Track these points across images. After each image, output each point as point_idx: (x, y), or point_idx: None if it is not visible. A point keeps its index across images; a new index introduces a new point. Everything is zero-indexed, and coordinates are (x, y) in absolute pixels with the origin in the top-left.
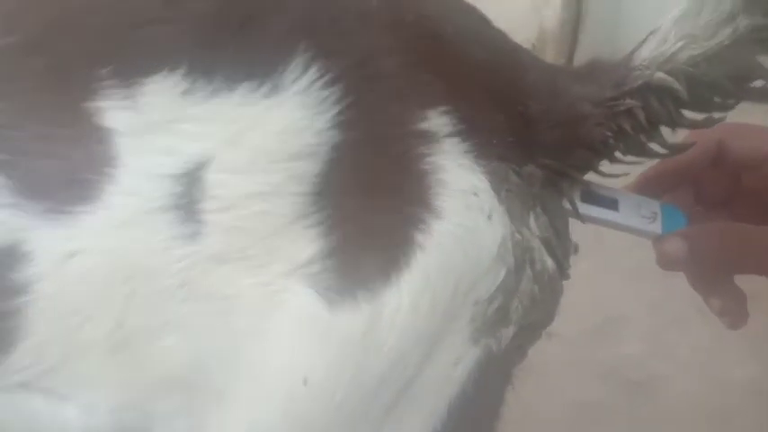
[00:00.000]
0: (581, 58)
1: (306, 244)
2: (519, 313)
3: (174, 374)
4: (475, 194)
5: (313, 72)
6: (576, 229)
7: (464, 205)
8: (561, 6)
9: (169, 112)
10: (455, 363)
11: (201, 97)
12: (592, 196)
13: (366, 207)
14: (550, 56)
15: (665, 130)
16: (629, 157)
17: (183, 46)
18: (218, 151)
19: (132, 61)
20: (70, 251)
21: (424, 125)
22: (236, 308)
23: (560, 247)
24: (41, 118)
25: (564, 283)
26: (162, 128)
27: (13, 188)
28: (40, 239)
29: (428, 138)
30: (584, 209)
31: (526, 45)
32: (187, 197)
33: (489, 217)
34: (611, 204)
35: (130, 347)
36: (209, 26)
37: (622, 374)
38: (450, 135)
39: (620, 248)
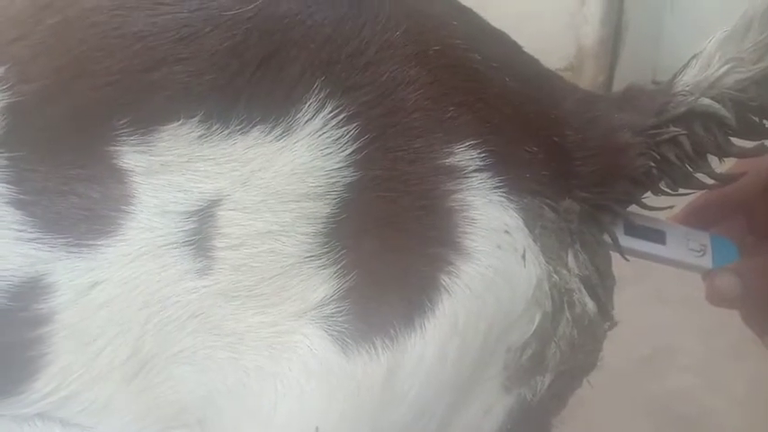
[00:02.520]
0: (621, 75)
1: (318, 285)
2: (556, 360)
3: (186, 405)
4: (507, 233)
5: (327, 111)
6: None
7: (495, 245)
8: (600, 22)
9: (184, 153)
10: (485, 412)
11: (217, 140)
12: (636, 229)
13: (386, 248)
14: (590, 74)
15: (712, 160)
16: (675, 189)
17: (199, 90)
18: (230, 190)
19: (148, 110)
20: (91, 282)
21: (450, 160)
22: (244, 345)
23: (602, 287)
24: (61, 161)
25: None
26: (177, 167)
27: (35, 224)
28: (63, 271)
29: (455, 173)
30: (629, 242)
31: (564, 63)
32: (199, 234)
33: (523, 257)
34: (658, 237)
35: (146, 374)
36: (226, 67)
37: (672, 409)
38: (478, 170)
39: (669, 274)
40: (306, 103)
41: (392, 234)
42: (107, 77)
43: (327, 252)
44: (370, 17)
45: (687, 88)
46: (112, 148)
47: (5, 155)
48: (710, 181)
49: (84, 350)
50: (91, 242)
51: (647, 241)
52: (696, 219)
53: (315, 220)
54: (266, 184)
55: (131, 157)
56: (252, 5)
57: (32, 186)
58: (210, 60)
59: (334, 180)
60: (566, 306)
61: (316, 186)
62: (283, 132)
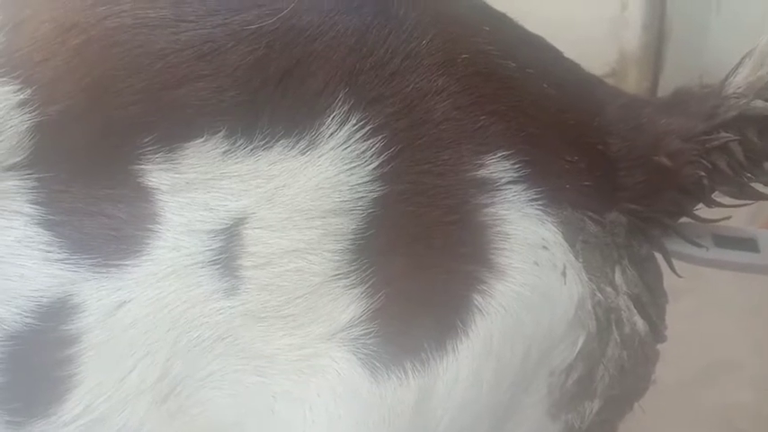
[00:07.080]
0: (666, 81)
1: (346, 305)
2: (605, 384)
3: (216, 429)
4: (544, 248)
5: (352, 124)
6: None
7: (531, 261)
8: (642, 27)
9: (210, 170)
10: None
11: (241, 156)
12: (726, 240)
13: (416, 265)
14: (633, 80)
15: None
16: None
17: (222, 106)
18: (255, 207)
19: (172, 127)
20: (118, 302)
21: (481, 172)
22: (272, 369)
23: (653, 305)
24: (89, 181)
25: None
26: (202, 185)
27: (63, 245)
28: (90, 291)
29: (486, 186)
30: (719, 254)
31: (606, 70)
32: (226, 252)
33: (563, 274)
34: (750, 245)
35: (176, 396)
36: (248, 82)
37: (732, 425)
38: (512, 182)
39: (726, 282)
40: (329, 115)
41: (421, 251)
42: (131, 96)
43: (355, 270)
44: (395, 26)
45: (739, 90)
46: (138, 167)
47: (35, 176)
48: None
49: (112, 370)
50: (118, 262)
51: (738, 251)
52: None
53: (342, 237)
54: (291, 201)
55: (156, 175)
56: (275, 18)
57: (61, 207)
58: (233, 76)
59: (360, 195)
60: (613, 326)
61: (341, 201)
62: (307, 146)
